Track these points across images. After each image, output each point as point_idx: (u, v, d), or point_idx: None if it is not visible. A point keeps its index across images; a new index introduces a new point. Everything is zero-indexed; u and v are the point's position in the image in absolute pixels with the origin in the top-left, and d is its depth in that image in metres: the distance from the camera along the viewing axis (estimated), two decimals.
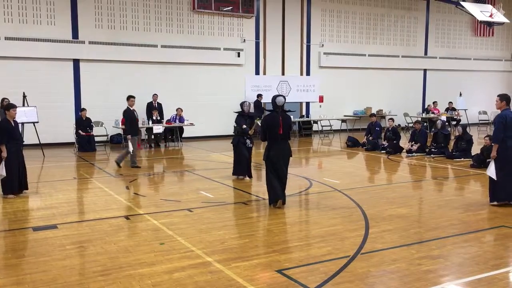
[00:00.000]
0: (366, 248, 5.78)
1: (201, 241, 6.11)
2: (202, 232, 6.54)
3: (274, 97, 7.75)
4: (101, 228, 6.69)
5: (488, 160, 11.49)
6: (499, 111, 7.93)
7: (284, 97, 7.84)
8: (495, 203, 7.91)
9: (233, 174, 10.38)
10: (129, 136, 11.71)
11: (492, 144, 7.98)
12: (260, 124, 9.34)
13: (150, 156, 14.53)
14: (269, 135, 7.69)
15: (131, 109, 11.85)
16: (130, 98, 11.91)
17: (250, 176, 10.26)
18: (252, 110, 10.50)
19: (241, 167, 10.18)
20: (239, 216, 7.36)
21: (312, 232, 6.54)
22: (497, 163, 7.80)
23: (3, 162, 8.31)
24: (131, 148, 11.61)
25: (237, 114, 10.41)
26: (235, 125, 10.42)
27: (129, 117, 11.81)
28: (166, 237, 6.24)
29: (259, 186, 9.61)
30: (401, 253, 5.62)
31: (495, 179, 7.76)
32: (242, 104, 10.51)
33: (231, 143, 10.43)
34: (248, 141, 10.14)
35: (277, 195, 7.69)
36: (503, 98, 7.91)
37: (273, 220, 7.17)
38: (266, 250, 5.74)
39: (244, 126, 10.09)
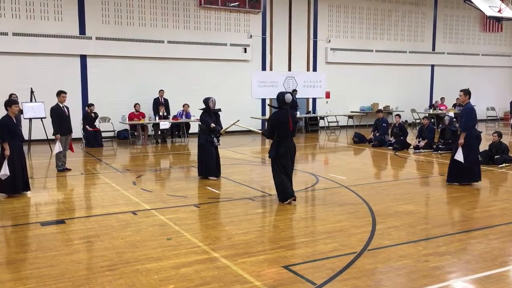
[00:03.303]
0: (373, 244, 5.77)
1: (208, 236, 6.13)
2: (209, 227, 6.56)
3: (283, 94, 7.64)
4: (109, 223, 6.72)
5: (496, 156, 11.53)
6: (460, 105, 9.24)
7: (291, 94, 7.79)
8: (456, 184, 9.13)
9: (200, 175, 9.81)
10: (57, 136, 10.48)
11: (460, 132, 8.89)
12: (238, 125, 9.28)
13: (156, 152, 14.57)
14: (278, 133, 7.63)
15: (61, 105, 10.68)
16: (60, 93, 10.67)
17: (218, 176, 9.83)
18: (217, 106, 9.90)
19: (210, 168, 9.69)
20: (245, 212, 7.36)
21: (319, 228, 6.53)
22: (463, 149, 8.80)
23: (6, 161, 8.00)
24: (56, 150, 10.38)
25: (202, 111, 9.75)
26: (200, 123, 9.71)
27: (56, 114, 10.58)
28: (173, 232, 6.26)
29: (265, 182, 9.60)
30: (408, 249, 5.60)
31: (464, 163, 8.78)
32: (207, 100, 9.71)
33: (198, 142, 9.94)
34: (215, 139, 9.72)
35: (291, 195, 7.69)
36: (467, 92, 8.96)
37: (279, 216, 7.17)
38: (272, 246, 5.74)
39: (213, 125, 9.56)
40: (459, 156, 8.84)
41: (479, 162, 9.37)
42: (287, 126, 7.58)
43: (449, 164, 9.32)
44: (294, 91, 19.33)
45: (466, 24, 24.53)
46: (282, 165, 7.69)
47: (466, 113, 8.90)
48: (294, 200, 7.74)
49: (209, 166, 9.74)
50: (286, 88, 19.82)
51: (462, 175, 9.10)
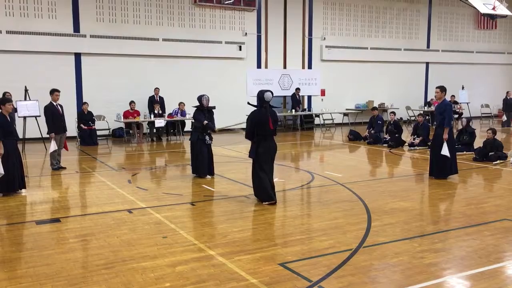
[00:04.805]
0: (368, 241, 5.79)
1: (204, 234, 6.13)
2: (205, 225, 6.57)
3: (262, 93, 7.44)
4: (104, 221, 6.71)
5: (490, 153, 11.58)
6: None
7: (271, 92, 7.56)
8: (443, 178, 9.44)
9: (194, 172, 9.86)
10: (52, 134, 10.42)
11: (445, 127, 9.15)
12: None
13: (152, 150, 14.54)
14: (257, 132, 7.45)
15: (55, 104, 10.60)
16: (54, 92, 10.61)
17: (212, 174, 9.81)
18: (210, 104, 9.78)
19: (202, 166, 9.64)
20: (241, 210, 7.36)
21: (314, 226, 6.54)
22: (447, 143, 9.14)
23: (0, 160, 7.85)
24: (51, 149, 10.44)
25: (196, 108, 9.72)
26: (193, 121, 9.76)
27: (50, 113, 10.51)
28: (169, 230, 6.26)
29: None
30: (403, 246, 5.63)
31: (449, 157, 9.15)
32: (200, 98, 9.63)
33: (190, 139, 9.90)
34: (207, 137, 9.62)
35: (270, 198, 7.54)
36: (443, 89, 9.31)
37: (275, 213, 7.18)
38: (268, 244, 5.75)
39: (206, 122, 9.47)
40: (445, 151, 9.13)
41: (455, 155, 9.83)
42: (267, 125, 7.39)
43: (432, 160, 9.63)
44: (297, 89, 19.55)
45: (461, 21, 24.61)
46: (261, 166, 7.52)
47: (447, 109, 9.21)
48: (274, 204, 7.54)
49: (199, 165, 9.68)
50: (281, 85, 19.88)
51: (447, 169, 9.43)
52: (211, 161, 9.88)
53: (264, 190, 7.56)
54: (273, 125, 7.46)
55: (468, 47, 24.68)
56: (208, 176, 9.74)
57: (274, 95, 7.80)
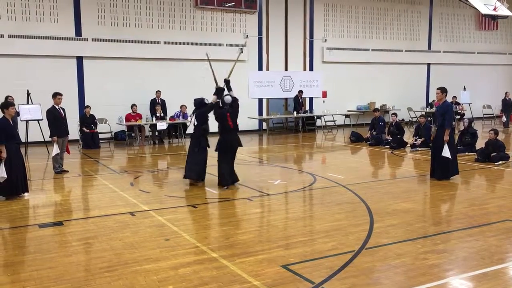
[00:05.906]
0: (370, 243, 5.79)
1: (206, 236, 6.14)
2: (207, 228, 6.58)
3: (222, 98, 9.21)
4: (107, 224, 6.72)
5: (493, 154, 11.57)
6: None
7: (230, 96, 9.25)
8: (445, 179, 9.46)
9: (190, 178, 9.29)
10: (54, 138, 10.39)
11: (446, 129, 9.19)
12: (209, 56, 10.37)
13: (154, 153, 14.56)
14: (219, 127, 9.07)
15: (57, 107, 10.59)
16: (56, 95, 10.59)
17: (204, 178, 9.48)
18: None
19: (203, 170, 9.33)
20: (243, 212, 7.38)
21: (317, 227, 6.55)
22: (448, 144, 9.25)
23: (2, 163, 7.90)
24: (54, 151, 10.34)
25: (198, 111, 9.47)
26: (203, 126, 9.46)
27: (52, 116, 10.51)
28: (171, 233, 6.27)
29: (263, 182, 9.62)
30: (406, 247, 5.62)
31: (451, 158, 9.24)
32: (202, 100, 9.60)
33: (201, 145, 9.38)
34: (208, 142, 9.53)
35: (227, 181, 8.93)
36: (444, 90, 9.38)
37: (277, 215, 7.19)
38: (270, 246, 5.75)
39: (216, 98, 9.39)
40: (447, 152, 9.20)
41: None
42: (226, 122, 8.95)
43: (433, 161, 9.66)
44: (300, 92, 19.57)
45: (462, 22, 24.60)
46: (224, 156, 8.98)
47: (448, 110, 9.28)
48: (233, 183, 9.07)
49: (202, 169, 9.40)
50: (283, 88, 19.91)
51: (448, 170, 9.47)
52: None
53: (228, 176, 8.91)
54: (232, 122, 9.01)
55: (470, 48, 24.66)
56: (201, 181, 9.48)
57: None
